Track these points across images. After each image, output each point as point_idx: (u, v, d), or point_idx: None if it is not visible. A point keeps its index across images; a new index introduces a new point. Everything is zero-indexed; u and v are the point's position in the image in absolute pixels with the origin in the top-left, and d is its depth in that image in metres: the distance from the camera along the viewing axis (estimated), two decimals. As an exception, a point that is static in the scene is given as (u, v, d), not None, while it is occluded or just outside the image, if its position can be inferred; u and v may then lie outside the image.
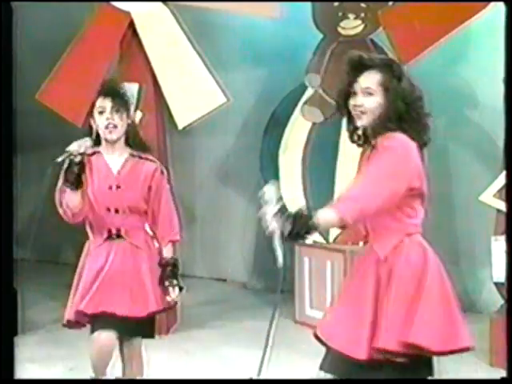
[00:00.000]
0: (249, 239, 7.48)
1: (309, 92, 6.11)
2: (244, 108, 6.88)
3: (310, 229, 2.91)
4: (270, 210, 2.97)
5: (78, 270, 3.97)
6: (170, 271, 3.95)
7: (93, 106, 3.88)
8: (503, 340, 5.05)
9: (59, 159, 3.65)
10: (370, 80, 3.06)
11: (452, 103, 6.33)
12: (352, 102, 3.06)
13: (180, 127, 5.90)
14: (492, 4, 5.13)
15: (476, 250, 6.14)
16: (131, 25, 5.77)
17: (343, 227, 3.25)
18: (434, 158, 6.04)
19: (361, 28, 5.99)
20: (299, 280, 6.21)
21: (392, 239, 3.07)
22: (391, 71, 3.08)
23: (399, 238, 3.06)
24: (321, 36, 6.11)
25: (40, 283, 6.65)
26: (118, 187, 3.86)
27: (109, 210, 3.88)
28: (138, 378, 4.12)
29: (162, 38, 5.81)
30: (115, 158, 3.89)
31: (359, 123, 3.07)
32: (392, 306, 3.00)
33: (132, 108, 3.98)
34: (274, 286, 7.37)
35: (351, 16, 5.97)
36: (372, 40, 6.00)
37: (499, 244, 5.12)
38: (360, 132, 3.10)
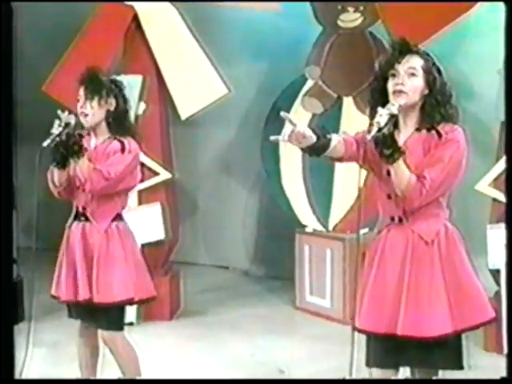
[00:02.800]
0: (250, 227, 7.52)
1: (309, 84, 6.11)
2: (245, 99, 6.88)
3: (394, 149, 3.02)
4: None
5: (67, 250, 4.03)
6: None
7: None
8: (497, 326, 5.08)
9: (45, 143, 3.76)
10: (414, 62, 3.18)
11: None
12: (393, 81, 3.14)
13: (183, 118, 5.92)
14: (489, -3, 5.14)
15: (472, 237, 6.10)
16: (135, 18, 5.78)
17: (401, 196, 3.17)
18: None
19: (360, 21, 5.97)
20: (299, 267, 6.23)
21: (436, 224, 3.19)
22: (432, 60, 3.22)
23: (441, 223, 3.22)
24: (320, 29, 6.11)
25: (46, 271, 6.68)
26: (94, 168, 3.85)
27: (78, 187, 3.90)
28: (133, 367, 4.09)
29: (166, 31, 5.82)
30: (98, 140, 3.91)
31: (400, 101, 3.10)
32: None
33: (111, 93, 3.90)
34: (274, 272, 7.43)
35: (350, 9, 5.96)
36: (371, 32, 5.99)
37: (494, 232, 5.13)
38: (394, 108, 3.07)
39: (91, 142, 3.94)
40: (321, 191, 6.08)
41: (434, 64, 3.21)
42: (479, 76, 5.88)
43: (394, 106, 3.07)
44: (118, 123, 3.90)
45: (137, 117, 5.81)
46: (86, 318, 4.01)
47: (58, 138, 3.74)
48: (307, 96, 6.06)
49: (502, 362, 4.93)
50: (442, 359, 3.25)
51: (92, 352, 4.13)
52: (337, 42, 6.02)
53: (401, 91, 3.11)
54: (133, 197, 5.78)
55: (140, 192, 5.80)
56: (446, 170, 3.14)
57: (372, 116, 3.17)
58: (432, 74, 3.18)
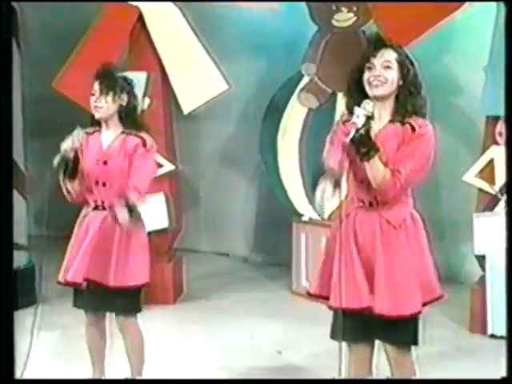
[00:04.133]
0: (249, 216, 7.52)
1: (305, 80, 6.10)
2: (245, 94, 6.87)
3: (370, 147, 3.07)
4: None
5: (77, 236, 4.04)
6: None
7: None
8: (482, 308, 5.16)
9: (55, 161, 3.82)
10: (388, 56, 3.21)
11: (437, 90, 6.30)
12: (369, 74, 3.18)
13: (185, 112, 5.92)
14: (477, -3, 5.16)
15: (459, 225, 6.17)
16: (140, 18, 5.78)
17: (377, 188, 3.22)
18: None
19: (353, 20, 5.96)
20: (296, 254, 6.25)
21: (404, 211, 3.26)
22: (405, 53, 3.27)
23: (408, 210, 3.29)
24: (316, 28, 6.10)
25: (56, 258, 6.68)
26: (105, 162, 3.91)
27: (97, 183, 3.92)
28: (138, 349, 4.12)
29: (169, 30, 5.81)
30: (109, 135, 3.93)
31: (376, 92, 3.16)
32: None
33: (124, 90, 3.94)
34: (272, 259, 7.43)
35: (344, 9, 5.95)
36: (364, 31, 5.96)
37: (480, 220, 5.17)
38: (370, 107, 3.11)
39: (101, 137, 3.96)
40: (316, 181, 6.09)
41: (406, 57, 3.26)
42: (466, 73, 5.89)
43: (369, 105, 3.11)
44: (130, 118, 3.95)
45: (142, 111, 5.84)
46: (99, 304, 4.02)
47: (67, 155, 3.80)
48: (303, 91, 6.06)
49: (486, 342, 5.04)
50: (402, 336, 3.31)
51: (102, 338, 4.15)
52: (331, 41, 6.01)
53: (380, 82, 3.15)
54: (137, 187, 5.86)
55: (145, 183, 5.86)
56: (419, 164, 3.19)
57: (349, 108, 3.23)
58: (406, 66, 3.22)
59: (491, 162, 5.18)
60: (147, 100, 5.81)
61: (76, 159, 3.84)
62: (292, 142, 6.15)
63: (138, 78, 5.78)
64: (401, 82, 3.20)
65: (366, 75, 3.19)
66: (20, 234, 5.80)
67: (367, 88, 3.18)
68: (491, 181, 5.17)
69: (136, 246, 3.95)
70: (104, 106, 3.88)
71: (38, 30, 6.39)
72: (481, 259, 5.23)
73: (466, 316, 5.30)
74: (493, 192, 5.17)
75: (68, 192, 3.94)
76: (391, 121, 3.22)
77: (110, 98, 3.88)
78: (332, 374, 4.36)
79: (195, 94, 5.87)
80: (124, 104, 3.93)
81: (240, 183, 7.45)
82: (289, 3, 5.96)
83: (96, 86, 3.92)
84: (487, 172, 5.18)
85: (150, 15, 5.78)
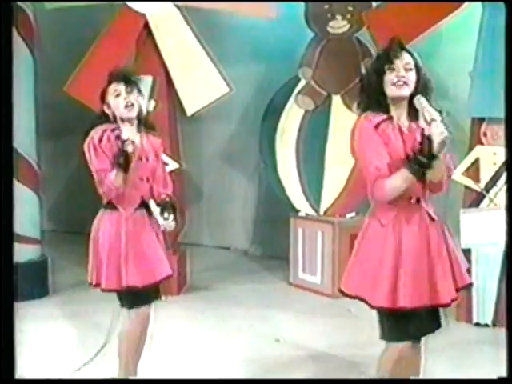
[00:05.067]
0: (249, 212, 7.55)
1: (302, 83, 6.14)
2: (245, 97, 6.90)
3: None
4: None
5: (110, 240, 3.76)
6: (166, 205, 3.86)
7: (104, 93, 3.82)
8: (468, 298, 5.23)
9: (129, 149, 3.61)
10: (408, 58, 3.13)
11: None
12: (391, 75, 3.07)
13: (189, 114, 5.96)
14: (464, 5, 5.19)
15: (447, 220, 6.21)
16: (146, 25, 5.82)
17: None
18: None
19: (347, 27, 6.02)
20: (293, 248, 6.31)
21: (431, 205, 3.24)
22: (416, 59, 3.17)
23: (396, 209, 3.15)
24: (312, 34, 6.16)
25: (68, 251, 6.70)
26: (147, 159, 3.82)
27: (142, 179, 3.80)
28: (143, 334, 3.99)
29: (174, 36, 5.85)
30: (133, 133, 3.75)
31: (403, 92, 3.05)
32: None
33: (141, 90, 3.87)
34: (271, 252, 7.42)
35: (339, 17, 6.00)
36: (357, 38, 6.05)
37: (467, 216, 5.20)
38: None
39: (130, 135, 3.74)
40: (312, 180, 6.13)
41: (420, 63, 3.20)
42: (452, 77, 5.90)
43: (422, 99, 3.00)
44: (145, 119, 3.87)
45: (148, 113, 5.90)
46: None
47: (126, 145, 3.62)
48: (300, 94, 6.09)
49: (471, 330, 5.12)
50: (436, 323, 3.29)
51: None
52: (327, 47, 6.05)
53: (404, 83, 3.05)
54: (143, 185, 5.92)
55: (150, 180, 5.92)
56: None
57: (365, 107, 3.12)
58: (420, 70, 3.15)
59: (476, 161, 5.22)
60: (153, 102, 5.82)
61: (133, 153, 3.65)
62: (289, 142, 6.18)
63: (144, 82, 5.87)
64: (417, 85, 3.12)
65: (389, 76, 3.08)
66: (33, 229, 5.89)
67: (390, 89, 3.07)
68: (477, 179, 5.22)
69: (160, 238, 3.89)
70: (135, 103, 3.75)
71: (51, 36, 6.43)
72: (467, 252, 5.23)
73: (452, 306, 5.36)
74: (478, 189, 5.21)
75: (107, 185, 3.67)
76: (411, 119, 3.11)
77: (137, 97, 3.78)
78: (323, 357, 4.48)
79: (198, 97, 5.90)
80: (141, 106, 3.84)
81: (240, 181, 7.48)
82: (285, 12, 5.97)
83: (120, 86, 3.75)
84: (473, 170, 5.22)
85: (155, 22, 5.82)
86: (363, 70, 6.03)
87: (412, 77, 3.10)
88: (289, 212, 6.35)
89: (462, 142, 5.41)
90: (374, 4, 5.87)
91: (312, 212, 6.24)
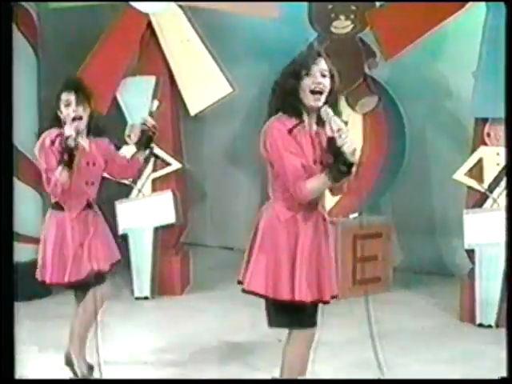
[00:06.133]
0: (252, 212, 7.41)
1: (305, 83, 6.18)
2: (248, 97, 6.81)
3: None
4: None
5: (56, 239, 4.01)
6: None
7: (57, 98, 3.97)
8: (471, 298, 5.23)
9: (71, 144, 3.80)
10: (325, 65, 3.19)
11: (429, 94, 6.40)
12: (308, 80, 3.12)
13: (192, 114, 5.96)
14: (468, 5, 5.19)
15: (450, 221, 6.22)
16: (149, 25, 5.83)
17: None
18: (413, 142, 6.21)
19: (350, 28, 6.01)
20: (296, 248, 6.31)
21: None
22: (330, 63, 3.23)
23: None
24: (315, 35, 6.14)
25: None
26: (94, 164, 4.05)
27: (87, 183, 4.04)
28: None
29: (177, 36, 5.85)
30: (83, 140, 4.00)
31: (317, 104, 3.11)
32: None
33: (92, 100, 4.02)
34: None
35: (342, 17, 6.00)
36: (360, 38, 6.03)
37: (470, 217, 5.22)
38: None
39: (85, 146, 4.04)
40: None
41: (333, 70, 3.23)
42: (456, 77, 5.93)
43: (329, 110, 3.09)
44: (94, 126, 4.06)
45: (151, 113, 5.92)
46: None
47: (69, 142, 3.83)
48: (303, 94, 6.14)
49: (474, 330, 5.12)
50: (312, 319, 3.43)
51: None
52: (330, 47, 5.96)
53: (320, 91, 3.11)
54: (147, 185, 5.93)
55: (153, 181, 5.91)
56: None
57: (277, 109, 3.20)
58: (334, 77, 3.19)
59: (480, 161, 5.23)
60: (156, 102, 5.84)
61: (76, 149, 3.85)
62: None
63: (148, 82, 5.91)
64: (329, 93, 3.18)
65: (306, 82, 3.12)
66: (35, 228, 5.88)
67: (308, 96, 3.12)
68: (480, 179, 5.23)
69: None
70: (84, 116, 3.95)
71: (54, 35, 6.42)
72: (470, 253, 5.27)
73: (456, 306, 5.38)
74: (482, 190, 5.22)
75: (52, 184, 3.90)
76: (317, 124, 3.19)
77: (86, 107, 3.96)
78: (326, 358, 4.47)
79: (201, 97, 5.90)
80: (91, 112, 4.02)
81: (243, 181, 7.48)
82: (289, 12, 5.96)
83: (71, 96, 3.92)
84: (476, 171, 5.23)
85: (158, 23, 5.83)
86: (366, 70, 6.07)
87: (327, 84, 3.16)
88: (292, 212, 6.33)
89: (466, 143, 5.43)
90: (378, 4, 5.86)
91: (315, 212, 6.22)
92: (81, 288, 4.13)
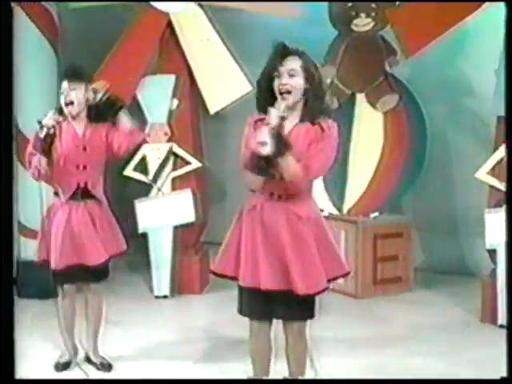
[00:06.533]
0: None
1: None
2: None
3: (283, 144, 3.14)
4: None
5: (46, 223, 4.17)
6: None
7: (59, 88, 4.15)
8: (492, 299, 5.18)
9: (41, 134, 3.96)
10: (293, 64, 3.29)
11: (451, 93, 6.35)
12: (277, 82, 3.27)
13: (211, 112, 5.96)
14: (486, 4, 5.13)
15: (472, 220, 6.17)
16: (169, 24, 5.83)
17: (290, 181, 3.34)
18: (435, 141, 6.17)
19: (371, 25, 5.98)
20: (317, 247, 6.29)
21: (307, 205, 3.39)
22: (309, 59, 3.33)
23: (311, 206, 3.43)
24: (335, 33, 6.14)
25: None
26: (84, 148, 4.14)
27: (78, 166, 4.14)
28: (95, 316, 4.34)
29: (196, 35, 5.85)
30: (79, 125, 4.15)
31: (285, 102, 3.24)
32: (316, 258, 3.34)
33: (89, 87, 4.13)
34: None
35: (363, 15, 5.97)
36: (381, 36, 6.01)
37: (492, 216, 5.16)
38: (282, 107, 3.21)
39: (74, 126, 4.15)
40: (336, 178, 6.08)
41: (311, 62, 3.33)
42: (478, 75, 5.89)
43: (282, 106, 3.21)
44: (98, 112, 4.13)
45: (171, 112, 5.94)
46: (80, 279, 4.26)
47: (47, 130, 3.98)
48: (324, 93, 6.11)
49: (495, 332, 5.06)
50: (301, 312, 3.46)
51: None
52: (350, 45, 6.04)
53: (287, 91, 3.24)
54: (166, 184, 5.94)
55: (173, 179, 5.91)
56: (326, 161, 3.30)
57: (260, 109, 3.34)
58: (310, 71, 3.29)
59: (502, 160, 5.18)
60: (176, 101, 5.88)
61: (54, 137, 4.01)
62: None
63: (168, 81, 5.91)
64: (307, 86, 3.27)
65: (276, 83, 3.27)
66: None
67: (278, 97, 3.26)
68: (502, 178, 5.18)
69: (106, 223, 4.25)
70: (74, 100, 4.07)
71: (75, 35, 6.45)
72: (492, 253, 5.22)
73: (477, 307, 5.33)
74: (503, 189, 5.18)
75: (33, 167, 4.05)
76: (301, 120, 3.31)
77: (78, 93, 4.07)
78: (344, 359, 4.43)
79: (221, 95, 5.90)
80: (91, 99, 4.12)
81: (264, 179, 7.47)
82: (309, 10, 5.94)
83: (64, 84, 4.09)
84: (498, 170, 5.17)
85: (178, 22, 5.83)
86: (387, 68, 6.03)
87: (296, 83, 3.26)
88: (312, 211, 6.31)
89: (488, 141, 5.38)
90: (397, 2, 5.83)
91: (335, 211, 6.21)
92: (66, 279, 4.21)
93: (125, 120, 4.17)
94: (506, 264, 3.37)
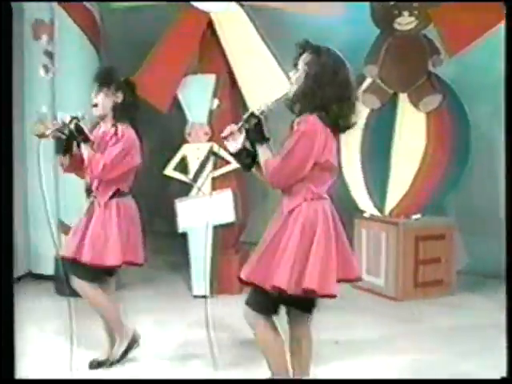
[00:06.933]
0: None
1: (367, 81, 6.10)
2: None
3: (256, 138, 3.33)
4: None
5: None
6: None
7: None
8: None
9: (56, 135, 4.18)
10: (303, 58, 3.34)
11: (496, 93, 6.24)
12: None
13: None
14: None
15: (502, 222, 6.03)
16: (210, 24, 5.85)
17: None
18: (478, 141, 6.05)
19: (414, 24, 5.91)
20: (357, 249, 6.20)
21: (296, 200, 3.35)
22: (319, 55, 3.31)
23: (299, 201, 3.36)
24: (377, 32, 6.08)
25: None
26: (92, 147, 4.23)
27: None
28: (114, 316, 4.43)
29: (237, 34, 5.86)
30: (105, 127, 4.27)
31: (289, 93, 3.39)
32: (286, 253, 3.32)
33: (120, 89, 4.21)
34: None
35: (406, 13, 5.91)
36: (424, 34, 5.93)
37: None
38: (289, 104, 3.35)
39: (100, 132, 4.29)
40: (377, 180, 6.07)
41: (320, 58, 3.32)
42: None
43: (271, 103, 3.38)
44: (123, 114, 4.21)
45: (211, 111, 5.95)
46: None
47: (59, 133, 4.16)
48: (366, 93, 6.04)
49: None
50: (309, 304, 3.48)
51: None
52: (393, 44, 5.98)
53: (291, 84, 3.37)
54: (207, 183, 5.95)
55: (213, 179, 5.91)
56: (288, 158, 3.28)
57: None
58: (310, 68, 3.30)
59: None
60: (216, 101, 5.90)
61: (69, 138, 4.16)
62: (354, 142, 6.13)
63: (208, 80, 5.93)
64: (305, 82, 3.29)
65: None
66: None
67: None
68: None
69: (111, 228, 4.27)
70: (99, 103, 4.19)
71: (117, 35, 6.52)
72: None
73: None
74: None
75: (61, 164, 4.31)
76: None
77: (105, 96, 4.18)
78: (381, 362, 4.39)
79: (262, 95, 5.72)
80: (119, 101, 4.19)
81: (306, 180, 7.45)
82: (351, 9, 5.89)
83: (95, 86, 4.23)
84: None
85: (219, 21, 5.84)
86: (430, 67, 5.95)
87: (294, 76, 3.36)
88: (353, 213, 6.29)
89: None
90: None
91: (376, 213, 6.18)
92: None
93: (86, 153, 4.21)
94: (506, 264, 3.28)
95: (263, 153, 3.36)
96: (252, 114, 3.40)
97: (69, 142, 4.18)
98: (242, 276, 3.53)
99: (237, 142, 3.37)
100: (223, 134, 3.37)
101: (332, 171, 3.42)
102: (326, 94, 3.24)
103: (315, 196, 3.38)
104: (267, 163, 3.32)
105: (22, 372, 3.86)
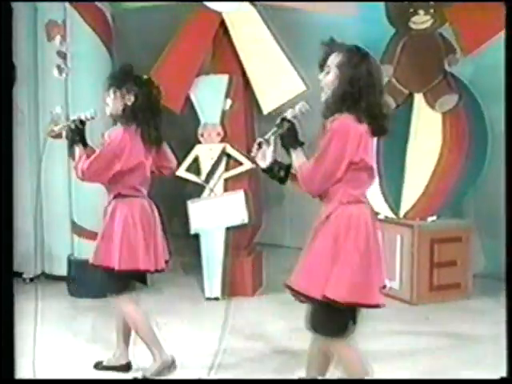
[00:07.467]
0: None
1: (382, 81, 6.07)
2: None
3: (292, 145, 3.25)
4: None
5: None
6: None
7: None
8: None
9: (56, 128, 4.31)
10: (332, 60, 3.22)
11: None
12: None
13: (265, 113, 5.92)
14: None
15: None
16: (222, 24, 5.83)
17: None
18: (496, 141, 5.96)
19: (430, 23, 5.85)
20: (372, 251, 6.19)
21: (330, 205, 3.25)
22: (350, 56, 3.19)
23: (335, 205, 3.24)
24: (393, 31, 6.02)
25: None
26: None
27: None
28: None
29: (250, 34, 5.84)
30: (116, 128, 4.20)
31: (322, 97, 3.27)
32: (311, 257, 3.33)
33: (131, 90, 4.12)
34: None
35: (421, 12, 5.85)
36: (440, 33, 5.86)
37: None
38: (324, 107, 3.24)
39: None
40: (392, 181, 6.00)
41: (352, 58, 3.21)
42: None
43: (303, 106, 3.33)
44: (132, 116, 4.11)
45: (224, 112, 5.93)
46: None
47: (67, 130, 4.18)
48: (381, 93, 6.02)
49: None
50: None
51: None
52: (408, 43, 5.92)
53: (321, 87, 3.28)
54: (219, 184, 5.93)
55: (226, 180, 5.91)
56: (321, 160, 3.17)
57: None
58: (342, 69, 3.19)
59: None
60: (229, 101, 5.88)
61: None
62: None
63: (221, 80, 5.91)
64: (338, 84, 3.20)
65: None
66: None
67: None
68: None
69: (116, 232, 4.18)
70: (109, 102, 4.14)
71: (129, 35, 6.53)
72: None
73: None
74: None
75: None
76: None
77: (116, 95, 4.12)
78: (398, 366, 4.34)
79: (274, 95, 5.86)
80: (129, 103, 4.10)
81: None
82: (365, 9, 5.85)
83: (106, 85, 4.21)
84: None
85: (231, 21, 5.83)
86: (446, 67, 5.87)
87: (325, 79, 3.24)
88: (368, 214, 6.21)
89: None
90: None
91: (391, 215, 6.11)
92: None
93: (77, 155, 4.18)
94: (506, 264, 3.22)
95: (297, 158, 3.25)
96: (284, 119, 3.29)
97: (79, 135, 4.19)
98: (291, 285, 3.51)
99: (266, 157, 3.26)
100: (252, 154, 3.27)
101: (369, 172, 3.27)
102: (363, 96, 3.14)
103: (351, 199, 3.24)
104: (301, 168, 3.21)
105: (41, 372, 3.92)
